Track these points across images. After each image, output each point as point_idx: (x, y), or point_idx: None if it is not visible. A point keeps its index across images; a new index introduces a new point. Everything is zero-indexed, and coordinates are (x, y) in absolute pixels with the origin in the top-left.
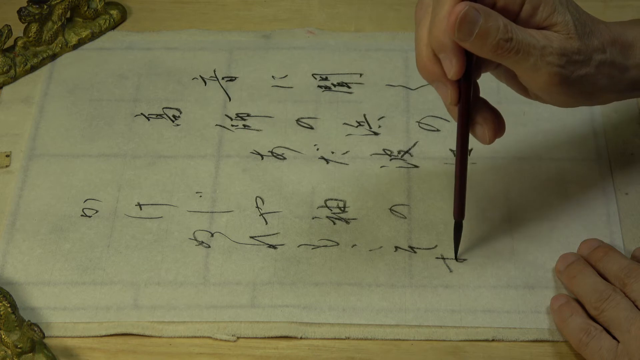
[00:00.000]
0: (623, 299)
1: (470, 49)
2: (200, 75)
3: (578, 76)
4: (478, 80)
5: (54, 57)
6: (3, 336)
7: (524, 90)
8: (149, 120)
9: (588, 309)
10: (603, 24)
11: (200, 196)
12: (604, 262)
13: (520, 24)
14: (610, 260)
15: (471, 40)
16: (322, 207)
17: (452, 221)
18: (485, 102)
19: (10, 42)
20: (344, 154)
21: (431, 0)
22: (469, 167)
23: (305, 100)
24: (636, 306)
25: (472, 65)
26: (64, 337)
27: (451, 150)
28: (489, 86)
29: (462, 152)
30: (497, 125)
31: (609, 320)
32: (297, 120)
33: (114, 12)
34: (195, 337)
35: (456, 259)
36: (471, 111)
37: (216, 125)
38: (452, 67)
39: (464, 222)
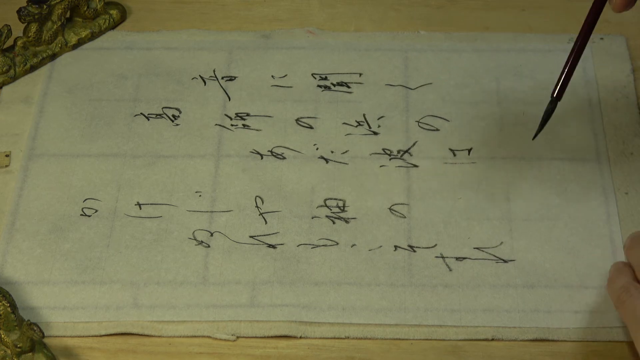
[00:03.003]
0: None
1: None
2: (199, 75)
3: None
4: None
5: (53, 57)
6: (3, 336)
7: None
8: (148, 120)
9: (637, 274)
10: None
11: (200, 196)
12: None
13: None
14: None
15: None
16: (321, 206)
17: (452, 220)
18: None
19: (10, 42)
20: (343, 153)
21: None
22: (469, 166)
23: (305, 100)
24: None
25: None
26: (64, 336)
27: (451, 149)
28: (489, 87)
29: (591, 22)
30: None
31: None
32: (297, 120)
33: (114, 12)
34: (195, 336)
35: (535, 136)
36: None
37: (216, 125)
38: None
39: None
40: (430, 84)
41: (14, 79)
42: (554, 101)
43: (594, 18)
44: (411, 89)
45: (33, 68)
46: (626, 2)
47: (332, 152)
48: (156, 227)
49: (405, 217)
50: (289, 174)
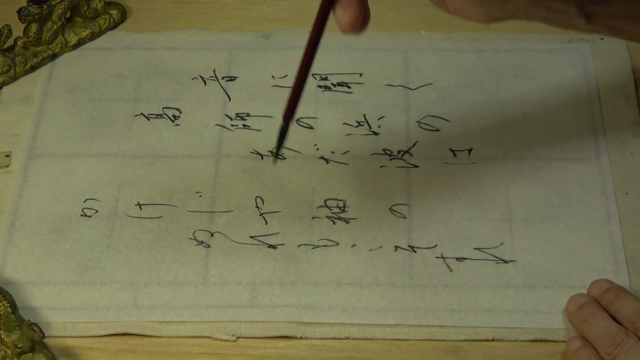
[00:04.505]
0: (636, 343)
1: None
2: (200, 75)
3: None
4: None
5: (53, 57)
6: (3, 336)
7: (442, 1)
8: (148, 120)
9: (601, 354)
10: None
11: (200, 196)
12: (616, 305)
13: None
14: (622, 304)
15: None
16: (321, 206)
17: (452, 221)
18: None
19: (10, 42)
20: (343, 153)
21: None
22: (469, 166)
23: (305, 100)
24: None
25: None
26: (64, 336)
27: (451, 150)
28: (489, 86)
29: (316, 35)
30: (357, 16)
31: None
32: (297, 120)
33: (114, 12)
34: (195, 336)
35: (276, 156)
36: None
37: (216, 125)
38: None
39: None
40: (431, 84)
41: (14, 79)
42: (286, 122)
43: (315, 40)
44: (411, 89)
45: (33, 68)
46: (354, 23)
47: (332, 152)
48: (156, 227)
49: (405, 217)
50: (289, 174)
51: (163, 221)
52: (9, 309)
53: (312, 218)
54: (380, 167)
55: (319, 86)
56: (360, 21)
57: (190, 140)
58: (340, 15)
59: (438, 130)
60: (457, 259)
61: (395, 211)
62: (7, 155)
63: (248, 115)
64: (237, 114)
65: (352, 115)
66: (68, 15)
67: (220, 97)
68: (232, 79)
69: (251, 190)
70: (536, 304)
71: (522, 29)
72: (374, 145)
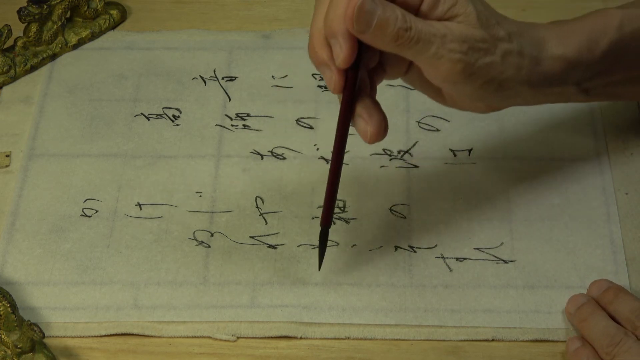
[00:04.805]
0: (635, 343)
1: (371, 41)
2: (200, 75)
3: (483, 64)
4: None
5: (53, 57)
6: (3, 336)
7: (439, 95)
8: (148, 120)
9: (600, 354)
10: (513, 21)
11: (200, 196)
12: (615, 305)
13: (421, 17)
14: (621, 303)
15: (370, 31)
16: (321, 206)
17: (452, 221)
18: (376, 103)
19: (10, 42)
20: None
21: None
22: (469, 166)
23: (305, 100)
24: None
25: (361, 56)
26: (64, 337)
27: (451, 150)
28: None
29: (340, 144)
30: (380, 127)
31: None
32: (297, 120)
33: (114, 12)
34: (195, 337)
35: (320, 267)
36: (356, 104)
37: (216, 125)
38: (341, 53)
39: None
40: None
41: (14, 79)
42: (324, 228)
43: (340, 150)
44: (411, 89)
45: (33, 68)
46: (379, 133)
47: (332, 152)
48: (156, 227)
49: (405, 217)
50: (290, 174)
51: (163, 221)
52: (9, 309)
53: (312, 218)
54: (380, 167)
55: (319, 86)
56: (384, 128)
57: (190, 140)
58: (363, 128)
59: (438, 130)
60: (457, 259)
61: (395, 211)
62: (7, 155)
63: (248, 115)
64: (237, 114)
65: None
66: (68, 15)
67: (220, 97)
68: (232, 79)
69: (251, 190)
70: (536, 304)
71: None
72: (374, 145)
